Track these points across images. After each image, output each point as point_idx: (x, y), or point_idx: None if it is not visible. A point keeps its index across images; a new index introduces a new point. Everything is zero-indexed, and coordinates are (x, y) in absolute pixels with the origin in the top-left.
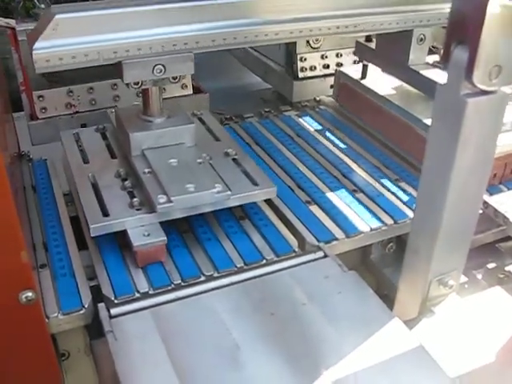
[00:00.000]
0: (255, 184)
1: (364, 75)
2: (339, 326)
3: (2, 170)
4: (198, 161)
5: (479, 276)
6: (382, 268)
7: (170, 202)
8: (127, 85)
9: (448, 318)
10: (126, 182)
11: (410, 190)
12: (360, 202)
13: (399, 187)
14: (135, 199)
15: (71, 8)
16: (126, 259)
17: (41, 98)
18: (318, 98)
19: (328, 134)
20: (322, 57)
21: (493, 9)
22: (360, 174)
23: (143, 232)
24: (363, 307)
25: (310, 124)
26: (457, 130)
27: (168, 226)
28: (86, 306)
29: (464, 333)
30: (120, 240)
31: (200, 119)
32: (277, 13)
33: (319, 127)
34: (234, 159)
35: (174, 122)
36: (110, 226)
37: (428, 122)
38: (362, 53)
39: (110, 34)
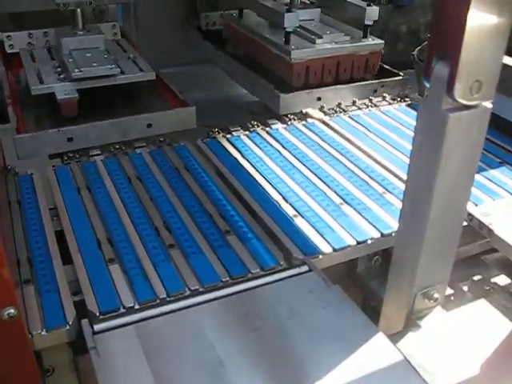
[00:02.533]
0: (141, 70)
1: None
2: (323, 341)
3: None
4: (105, 56)
5: (465, 288)
6: (368, 281)
7: (80, 71)
8: (58, 5)
9: (433, 331)
10: (58, 69)
11: (396, 202)
12: (346, 216)
13: (386, 200)
14: (61, 76)
15: None
16: (112, 273)
17: (9, 37)
18: (304, 111)
19: (314, 147)
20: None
21: (472, 24)
22: (347, 186)
23: (64, 92)
24: (347, 322)
25: (296, 137)
26: (439, 144)
27: (150, 240)
28: (70, 323)
29: (449, 346)
30: (105, 254)
31: (118, 43)
32: None
33: (306, 140)
34: (133, 61)
35: (91, 33)
36: (44, 89)
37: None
38: None
39: None
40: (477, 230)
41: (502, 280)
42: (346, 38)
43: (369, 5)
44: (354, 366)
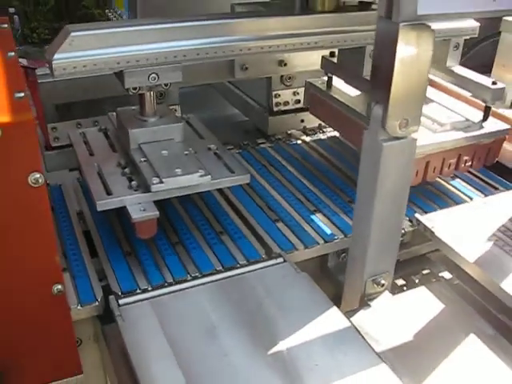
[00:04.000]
0: (232, 172)
1: (329, 85)
2: (290, 311)
3: (44, 192)
4: (185, 153)
5: (416, 280)
6: (337, 275)
7: (162, 182)
8: (127, 90)
9: (380, 309)
10: (126, 170)
11: None
12: (318, 220)
13: (350, 208)
14: (133, 182)
15: (83, 27)
16: (130, 264)
17: (54, 129)
18: (289, 132)
19: (295, 163)
20: (294, 93)
21: (397, 79)
22: (319, 196)
23: (140, 208)
24: (309, 298)
25: (281, 155)
26: (377, 165)
27: (160, 238)
28: (99, 300)
29: (392, 320)
30: (125, 248)
31: (188, 122)
32: (248, 32)
33: (289, 158)
34: (215, 153)
35: (165, 121)
36: (112, 203)
37: None
38: (327, 66)
39: (114, 48)
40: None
41: (447, 274)
42: (467, 124)
43: (494, 83)
44: (313, 330)
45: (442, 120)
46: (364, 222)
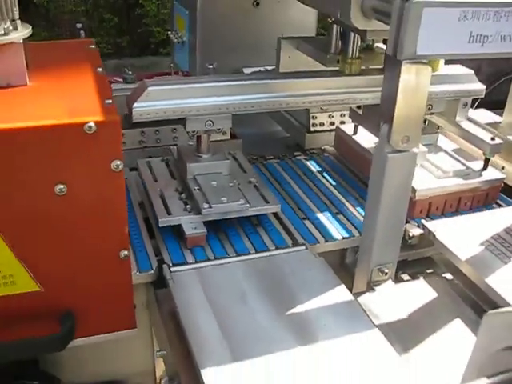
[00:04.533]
0: (267, 202)
1: (355, 132)
2: (306, 287)
3: (122, 176)
4: (230, 184)
5: (421, 278)
6: (353, 270)
7: (211, 207)
8: (188, 132)
9: (383, 293)
10: (182, 195)
11: None
12: (339, 221)
13: None
14: (188, 206)
15: (158, 82)
16: (180, 244)
17: (122, 135)
18: (323, 147)
19: (325, 174)
20: (329, 116)
21: (400, 105)
22: (343, 201)
23: (192, 226)
24: (323, 278)
25: (313, 166)
26: (383, 174)
27: (208, 227)
28: (154, 268)
29: (392, 301)
30: (175, 232)
31: (234, 157)
32: (290, 90)
33: (320, 169)
34: (254, 186)
35: (216, 158)
36: (171, 221)
37: None
38: (354, 117)
39: (180, 100)
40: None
41: (449, 276)
42: (467, 172)
43: (493, 139)
44: (323, 301)
45: (445, 168)
46: (372, 219)
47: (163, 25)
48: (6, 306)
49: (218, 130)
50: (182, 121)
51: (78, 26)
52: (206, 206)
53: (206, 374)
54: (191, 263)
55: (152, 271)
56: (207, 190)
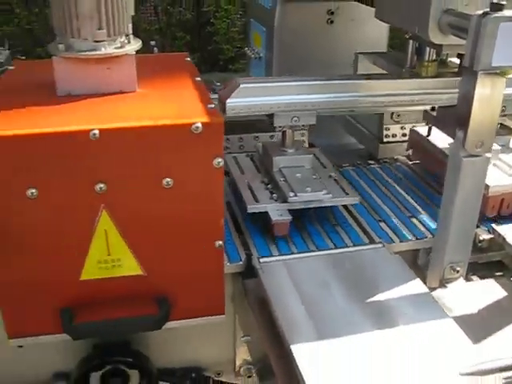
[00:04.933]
0: (346, 193)
1: (429, 134)
2: (384, 279)
3: (221, 172)
4: (313, 177)
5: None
6: (425, 270)
7: (296, 196)
8: (274, 128)
9: (455, 289)
10: (268, 186)
11: None
12: (413, 224)
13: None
14: (274, 195)
15: (249, 80)
16: (266, 239)
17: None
18: (395, 157)
19: (397, 180)
20: (401, 128)
21: (475, 111)
22: (415, 206)
23: (278, 213)
24: (399, 272)
25: (387, 174)
26: (458, 177)
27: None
28: (243, 260)
29: (463, 296)
30: (261, 228)
31: (314, 155)
32: (371, 90)
33: (393, 176)
34: (334, 179)
35: (300, 153)
36: (259, 208)
37: None
38: (428, 118)
39: (269, 97)
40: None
41: None
42: None
43: None
44: (400, 292)
45: None
46: (446, 218)
47: (232, 42)
48: (112, 287)
49: (303, 126)
50: (263, 128)
51: (152, 43)
52: (291, 194)
53: (296, 349)
54: (276, 255)
55: (241, 262)
56: (292, 181)
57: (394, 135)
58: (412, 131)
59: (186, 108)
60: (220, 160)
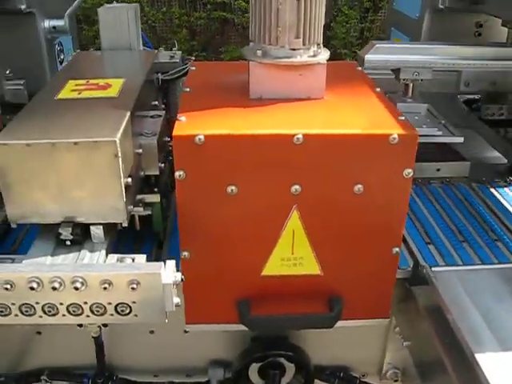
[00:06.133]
0: (452, 134)
1: None
2: None
3: (410, 183)
4: (428, 120)
5: None
6: None
7: None
8: (399, 80)
9: None
10: None
11: None
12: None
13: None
14: None
15: (383, 42)
16: (430, 249)
17: None
18: None
19: None
20: None
21: None
22: None
23: None
24: None
25: None
26: None
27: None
28: (411, 266)
29: None
30: (425, 239)
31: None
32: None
33: None
34: (444, 125)
35: (418, 102)
36: None
37: None
38: None
39: (397, 55)
40: None
41: None
42: None
43: None
44: None
45: None
46: None
47: (350, 48)
48: (289, 284)
49: (421, 80)
50: None
51: None
52: None
53: (481, 358)
54: (443, 265)
55: (409, 268)
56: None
57: None
58: None
59: (378, 118)
60: (410, 171)
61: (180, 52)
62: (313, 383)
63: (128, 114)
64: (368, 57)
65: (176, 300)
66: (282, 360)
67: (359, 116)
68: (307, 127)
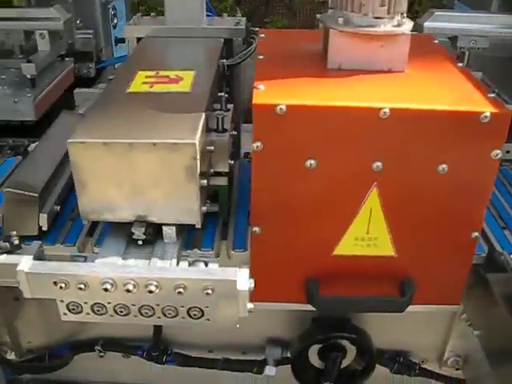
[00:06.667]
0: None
1: None
2: None
3: (497, 165)
4: None
5: None
6: None
7: None
8: (455, 48)
9: None
10: None
11: None
12: None
13: None
14: None
15: (442, 10)
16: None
17: None
18: None
19: None
20: None
21: None
22: None
23: None
24: None
25: None
26: None
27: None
28: (486, 252)
29: None
30: None
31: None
32: None
33: None
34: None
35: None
36: None
37: None
38: None
39: (455, 23)
40: None
41: None
42: None
43: None
44: None
45: None
46: None
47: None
48: (361, 264)
49: (478, 49)
50: None
51: (318, 16)
52: None
53: None
54: None
55: (484, 254)
56: None
57: None
58: None
59: (467, 95)
60: (499, 152)
61: (244, 18)
62: (374, 367)
63: (203, 111)
64: (427, 24)
65: (250, 306)
66: (345, 342)
67: (446, 92)
68: (393, 101)
